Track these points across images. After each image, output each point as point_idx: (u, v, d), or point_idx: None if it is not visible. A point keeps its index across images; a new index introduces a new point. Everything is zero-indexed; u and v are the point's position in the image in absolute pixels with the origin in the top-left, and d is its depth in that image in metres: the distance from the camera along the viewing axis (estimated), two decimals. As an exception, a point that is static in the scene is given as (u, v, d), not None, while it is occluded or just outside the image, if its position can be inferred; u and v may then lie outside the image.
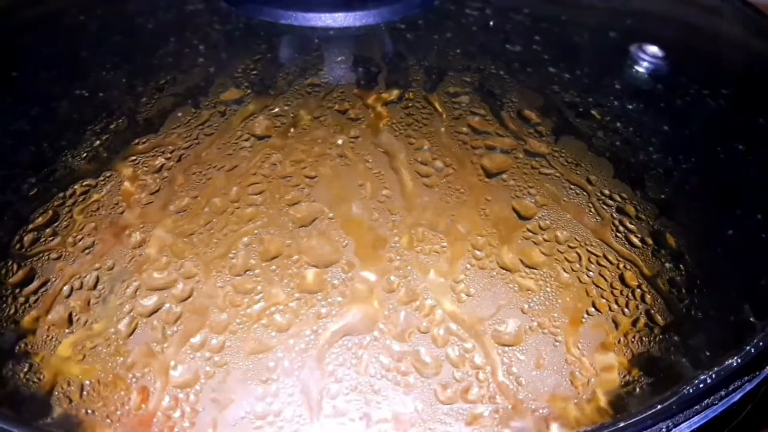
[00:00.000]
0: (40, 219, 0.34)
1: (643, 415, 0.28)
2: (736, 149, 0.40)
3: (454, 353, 0.30)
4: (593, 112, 0.40)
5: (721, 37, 0.51)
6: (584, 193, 0.35)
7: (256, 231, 0.33)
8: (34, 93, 0.42)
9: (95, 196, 0.35)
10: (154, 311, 0.30)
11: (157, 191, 0.35)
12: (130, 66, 0.43)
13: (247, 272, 0.31)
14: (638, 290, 0.32)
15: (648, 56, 0.44)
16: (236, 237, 0.33)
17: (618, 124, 0.40)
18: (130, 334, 0.30)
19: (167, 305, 0.31)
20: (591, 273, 0.32)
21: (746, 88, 0.45)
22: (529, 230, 0.34)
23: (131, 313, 0.30)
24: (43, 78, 0.43)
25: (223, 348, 0.29)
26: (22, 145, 0.38)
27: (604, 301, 0.31)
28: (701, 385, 0.29)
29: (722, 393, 0.29)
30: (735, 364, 0.29)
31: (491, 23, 0.45)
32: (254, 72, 0.41)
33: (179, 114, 0.38)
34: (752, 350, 0.30)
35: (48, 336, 0.30)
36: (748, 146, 0.40)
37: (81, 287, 0.31)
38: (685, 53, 0.46)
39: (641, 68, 0.44)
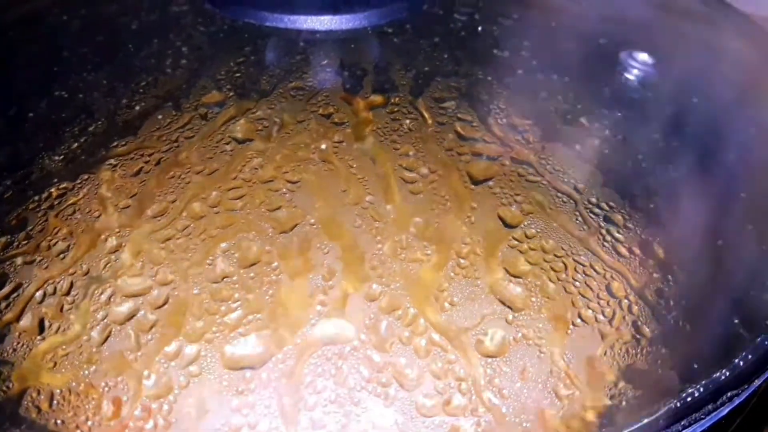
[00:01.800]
0: (15, 222, 0.33)
1: (630, 429, 0.27)
2: (727, 159, 0.39)
3: (436, 364, 0.29)
4: (582, 119, 0.39)
5: (714, 46, 0.50)
6: (571, 201, 0.35)
7: (234, 237, 0.32)
8: (11, 93, 0.41)
9: (71, 200, 0.34)
10: (129, 318, 0.30)
11: (135, 195, 0.34)
12: (111, 67, 0.42)
13: (225, 279, 0.31)
14: (625, 301, 0.31)
15: (638, 63, 0.44)
16: (214, 243, 0.32)
17: (607, 132, 0.39)
18: (103, 342, 0.29)
19: (142, 312, 0.30)
20: (577, 283, 0.32)
21: (738, 97, 0.45)
22: (514, 239, 0.33)
23: (105, 320, 0.29)
24: (22, 78, 0.42)
25: (199, 357, 0.28)
26: (-2, 147, 0.37)
27: (590, 312, 0.31)
28: (689, 399, 0.28)
29: (710, 407, 0.28)
30: (723, 377, 0.29)
31: (479, 29, 0.44)
32: (237, 75, 0.40)
33: (159, 117, 0.38)
34: (741, 363, 0.29)
35: (18, 343, 0.29)
36: (739, 156, 0.39)
37: (54, 293, 0.30)
38: (676, 61, 0.46)
39: (631, 75, 0.43)
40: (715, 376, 0.29)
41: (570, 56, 0.44)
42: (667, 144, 0.39)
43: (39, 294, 0.30)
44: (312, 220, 0.33)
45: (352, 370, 0.28)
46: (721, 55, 0.47)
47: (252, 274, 0.31)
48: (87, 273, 0.31)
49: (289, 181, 0.34)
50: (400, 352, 0.29)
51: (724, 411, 0.29)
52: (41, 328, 0.29)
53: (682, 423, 0.28)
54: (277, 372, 0.28)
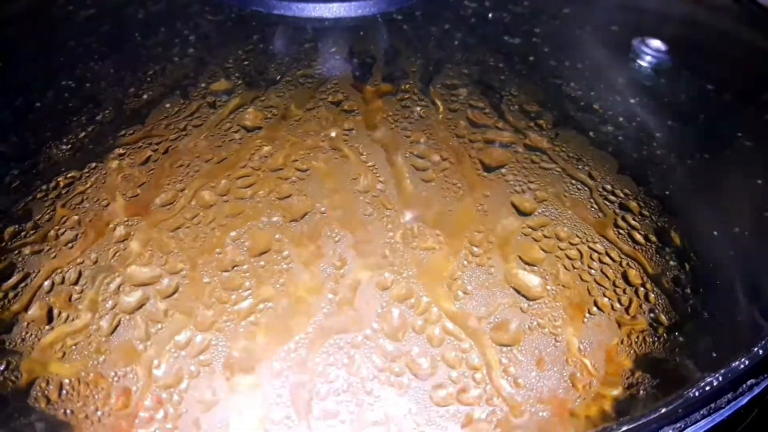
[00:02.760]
0: (22, 211, 0.32)
1: (648, 419, 0.27)
2: (743, 145, 0.39)
3: (450, 353, 0.28)
4: (595, 105, 0.39)
5: (727, 34, 0.49)
6: (586, 188, 0.34)
7: (244, 225, 0.32)
8: (18, 84, 0.41)
9: (79, 189, 0.33)
10: (138, 307, 0.29)
11: (143, 184, 0.33)
12: (118, 56, 0.42)
13: (235, 268, 0.30)
14: (642, 289, 0.31)
15: (651, 50, 0.43)
16: (224, 231, 0.31)
17: (621, 119, 0.39)
18: (112, 332, 0.29)
19: (151, 301, 0.29)
20: (593, 271, 0.31)
21: (753, 84, 0.44)
22: (528, 226, 0.32)
23: (114, 310, 0.29)
24: (29, 69, 0.42)
25: (209, 347, 0.28)
26: (5, 136, 0.36)
27: (606, 300, 0.30)
28: (707, 388, 0.27)
29: (729, 396, 0.28)
30: (742, 366, 0.28)
31: (490, 15, 0.44)
32: (245, 63, 0.40)
33: (167, 105, 0.37)
34: (760, 352, 0.29)
35: (27, 333, 0.29)
36: (755, 142, 0.39)
37: (62, 282, 0.30)
38: (690, 48, 0.45)
39: (644, 62, 0.43)
40: (734, 365, 0.28)
41: (582, 42, 0.43)
42: (683, 131, 0.39)
43: (47, 284, 0.30)
44: (322, 209, 0.32)
45: (364, 360, 0.28)
46: (737, 43, 0.47)
47: (262, 263, 0.30)
48: (95, 262, 0.30)
49: (298, 169, 0.34)
50: (413, 341, 0.28)
51: (744, 401, 0.29)
52: (49, 318, 0.29)
53: (701, 412, 0.27)
54: (288, 361, 0.28)
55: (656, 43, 0.43)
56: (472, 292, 0.30)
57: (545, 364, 0.28)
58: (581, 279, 0.31)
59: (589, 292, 0.30)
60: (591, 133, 0.37)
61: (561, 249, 0.32)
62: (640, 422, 0.27)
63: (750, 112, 0.42)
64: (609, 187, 0.34)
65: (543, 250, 0.32)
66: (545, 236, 0.32)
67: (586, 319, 0.30)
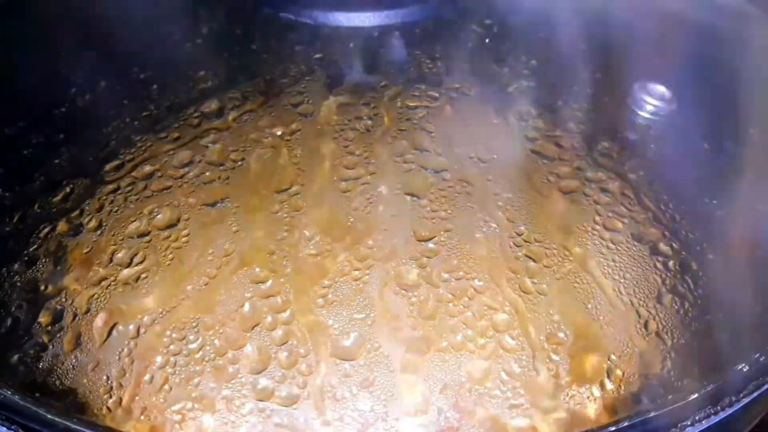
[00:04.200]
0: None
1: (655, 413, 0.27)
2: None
3: (290, 355, 0.30)
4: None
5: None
6: (494, 226, 0.34)
7: (163, 200, 0.35)
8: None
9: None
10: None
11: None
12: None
13: (139, 237, 0.34)
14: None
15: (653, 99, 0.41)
16: (143, 203, 0.35)
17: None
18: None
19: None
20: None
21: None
22: (419, 252, 0.33)
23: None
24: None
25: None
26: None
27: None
28: (710, 389, 0.27)
29: (732, 398, 0.27)
30: (745, 369, 0.28)
31: (487, 41, 0.43)
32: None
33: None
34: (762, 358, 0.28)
35: None
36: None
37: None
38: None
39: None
40: (737, 368, 0.28)
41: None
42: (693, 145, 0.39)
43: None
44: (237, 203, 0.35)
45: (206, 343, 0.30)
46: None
47: (165, 234, 0.34)
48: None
49: (233, 160, 0.37)
50: (257, 336, 0.30)
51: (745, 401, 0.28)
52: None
53: (705, 411, 0.27)
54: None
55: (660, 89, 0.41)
56: (333, 301, 0.31)
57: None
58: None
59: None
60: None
61: (443, 279, 0.32)
62: (644, 417, 0.26)
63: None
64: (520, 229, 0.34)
65: (418, 275, 0.32)
66: (426, 264, 0.33)
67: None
